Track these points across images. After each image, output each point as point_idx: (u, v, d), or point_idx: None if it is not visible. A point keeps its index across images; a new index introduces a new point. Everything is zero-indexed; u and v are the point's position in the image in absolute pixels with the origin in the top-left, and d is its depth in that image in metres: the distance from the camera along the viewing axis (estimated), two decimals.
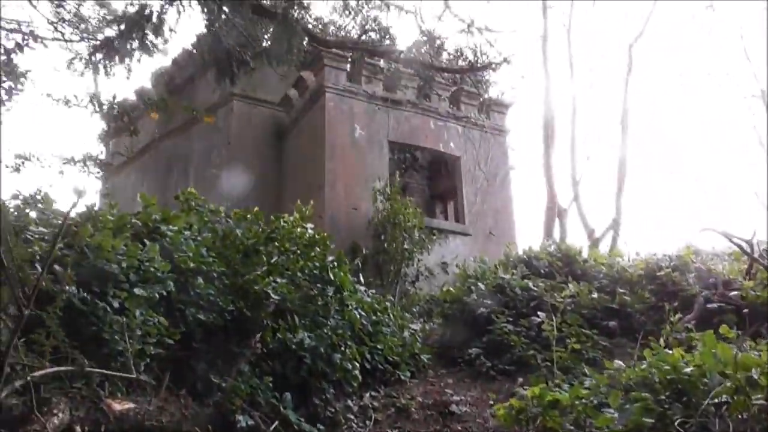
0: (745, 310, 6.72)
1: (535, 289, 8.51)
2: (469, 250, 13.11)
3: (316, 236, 7.27)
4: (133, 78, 8.73)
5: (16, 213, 4.62)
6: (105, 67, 6.88)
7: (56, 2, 12.10)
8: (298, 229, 7.23)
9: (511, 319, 8.08)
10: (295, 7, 8.69)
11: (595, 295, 8.25)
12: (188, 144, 15.59)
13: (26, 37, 4.11)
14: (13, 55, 4.00)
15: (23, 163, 4.09)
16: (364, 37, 14.02)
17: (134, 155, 14.51)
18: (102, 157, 10.58)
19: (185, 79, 16.16)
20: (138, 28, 6.64)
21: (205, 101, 14.96)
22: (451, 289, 9.63)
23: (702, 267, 8.14)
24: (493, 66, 12.31)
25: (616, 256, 10.26)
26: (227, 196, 13.51)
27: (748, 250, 7.54)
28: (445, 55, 13.93)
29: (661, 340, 5.87)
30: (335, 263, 7.22)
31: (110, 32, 10.42)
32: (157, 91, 16.54)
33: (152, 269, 5.14)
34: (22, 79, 4.01)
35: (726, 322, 5.90)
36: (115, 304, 4.56)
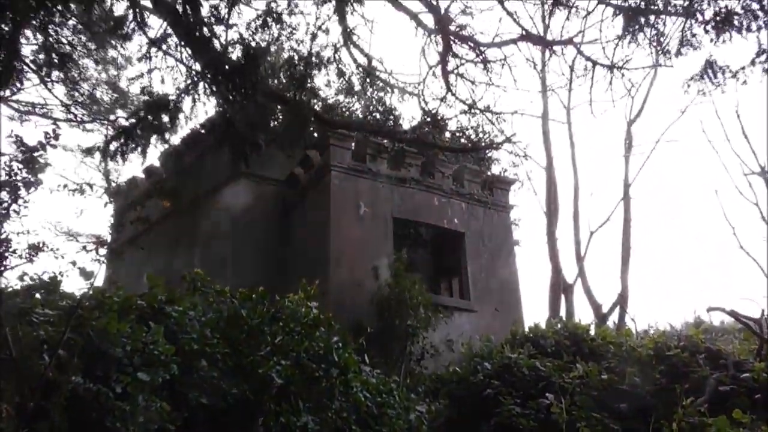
0: (758, 395, 6.57)
1: (543, 369, 8.38)
2: (474, 327, 12.98)
3: (321, 316, 7.24)
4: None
5: (20, 297, 4.63)
6: (122, 155, 7.09)
7: (71, 85, 12.60)
8: (303, 309, 7.21)
9: (518, 400, 7.91)
10: (305, 93, 9.01)
11: (605, 376, 8.09)
12: (195, 221, 15.73)
13: (49, 136, 4.26)
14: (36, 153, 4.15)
15: (36, 253, 4.16)
16: (368, 117, 14.43)
17: (141, 232, 14.63)
18: (109, 236, 10.70)
19: (194, 157, 16.49)
20: (155, 116, 6.89)
21: (213, 179, 15.23)
22: (458, 368, 9.49)
23: (712, 347, 8.02)
24: (495, 145, 12.59)
25: (625, 336, 10.12)
26: (233, 272, 13.56)
27: (757, 329, 7.46)
28: (447, 134, 14.26)
29: (674, 425, 5.74)
30: (340, 343, 7.16)
31: (122, 115, 10.76)
32: (166, 169, 16.84)
33: (156, 352, 5.11)
34: (40, 175, 4.15)
35: (738, 406, 5.77)
36: (118, 389, 4.51)
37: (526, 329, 11.17)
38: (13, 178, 4.17)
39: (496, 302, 13.92)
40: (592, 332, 10.46)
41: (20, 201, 4.17)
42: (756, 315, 7.98)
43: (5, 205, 4.10)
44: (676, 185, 40.23)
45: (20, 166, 4.21)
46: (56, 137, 4.43)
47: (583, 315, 24.14)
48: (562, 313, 20.13)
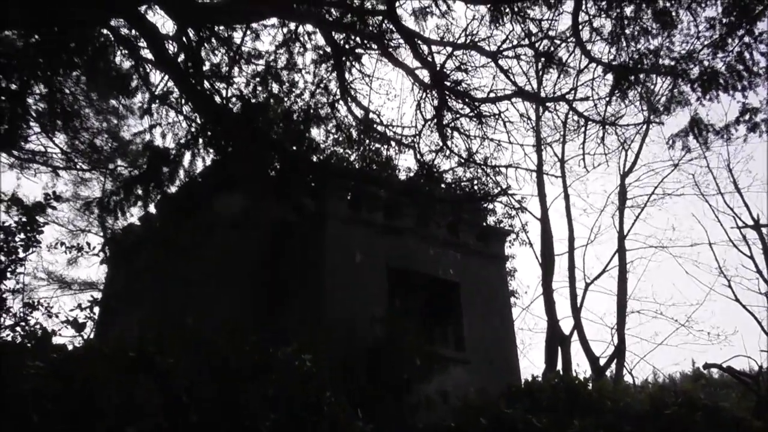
0: None
1: (539, 425, 8.25)
2: (469, 379, 12.78)
3: (314, 369, 7.17)
4: None
5: (12, 350, 4.59)
6: (121, 209, 7.15)
7: (71, 134, 12.74)
8: (296, 362, 7.14)
9: None
10: (303, 145, 9.14)
11: None
12: (190, 267, 15.64)
13: (49, 197, 4.30)
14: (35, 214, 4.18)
15: (31, 312, 4.15)
16: (365, 167, 14.57)
17: (136, 279, 14.55)
18: (103, 284, 10.66)
19: (190, 204, 16.48)
20: (156, 169, 6.97)
21: (209, 225, 15.22)
22: (452, 423, 9.33)
23: (710, 404, 7.93)
24: (490, 197, 12.69)
25: (622, 391, 10.01)
26: (227, 318, 13.39)
27: (755, 387, 7.40)
28: (443, 185, 14.37)
29: None
30: (332, 397, 7.06)
31: (122, 164, 10.80)
32: (162, 216, 16.84)
33: (145, 404, 5.03)
34: (39, 235, 4.16)
35: None
36: None
37: (522, 382, 11.04)
38: (11, 239, 4.17)
39: (492, 354, 13.75)
40: (589, 386, 10.34)
41: (17, 261, 4.17)
42: (754, 370, 7.95)
43: (2, 267, 4.10)
44: (672, 237, 40.36)
45: (18, 227, 4.21)
46: (56, 198, 4.46)
47: (581, 367, 23.85)
48: (559, 365, 19.89)
